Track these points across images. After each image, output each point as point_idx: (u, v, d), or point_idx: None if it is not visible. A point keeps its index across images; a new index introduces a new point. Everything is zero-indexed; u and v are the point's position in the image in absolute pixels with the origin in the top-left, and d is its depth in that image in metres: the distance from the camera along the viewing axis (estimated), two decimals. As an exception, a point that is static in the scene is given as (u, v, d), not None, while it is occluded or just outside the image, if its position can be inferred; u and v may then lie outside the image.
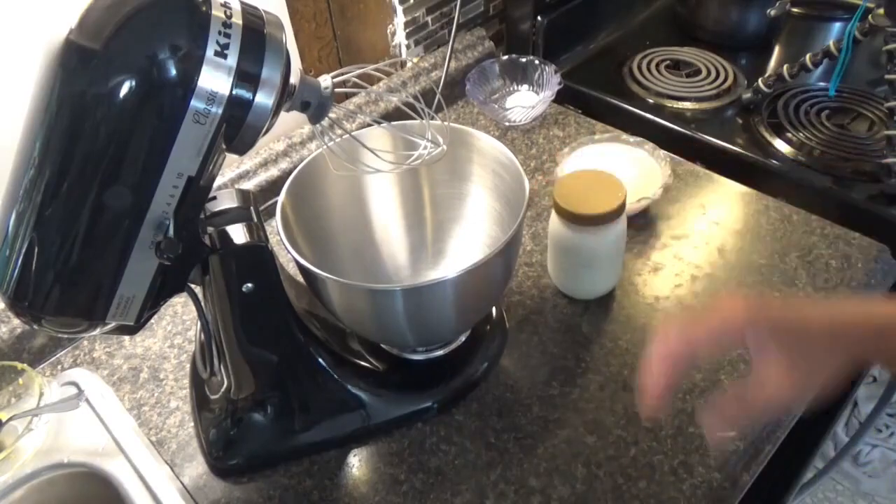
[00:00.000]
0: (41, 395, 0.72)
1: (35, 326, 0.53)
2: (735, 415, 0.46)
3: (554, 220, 0.77)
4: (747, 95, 1.11)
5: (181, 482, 0.70)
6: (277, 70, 0.48)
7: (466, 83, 1.09)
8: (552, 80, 1.08)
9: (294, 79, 0.52)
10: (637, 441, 0.69)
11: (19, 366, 0.75)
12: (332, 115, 0.56)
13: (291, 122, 1.00)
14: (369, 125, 0.72)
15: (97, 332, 0.56)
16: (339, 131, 0.63)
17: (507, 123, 1.09)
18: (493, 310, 0.80)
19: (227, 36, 0.45)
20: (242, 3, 0.47)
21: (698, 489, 0.65)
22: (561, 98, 1.10)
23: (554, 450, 0.69)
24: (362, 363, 0.74)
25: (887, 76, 0.94)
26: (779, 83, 1.09)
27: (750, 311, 0.45)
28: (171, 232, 0.50)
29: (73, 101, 0.45)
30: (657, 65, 1.21)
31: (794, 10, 1.31)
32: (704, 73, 1.18)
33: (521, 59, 1.13)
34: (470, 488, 0.67)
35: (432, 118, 0.62)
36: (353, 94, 1.05)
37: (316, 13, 0.99)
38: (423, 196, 0.80)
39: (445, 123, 0.64)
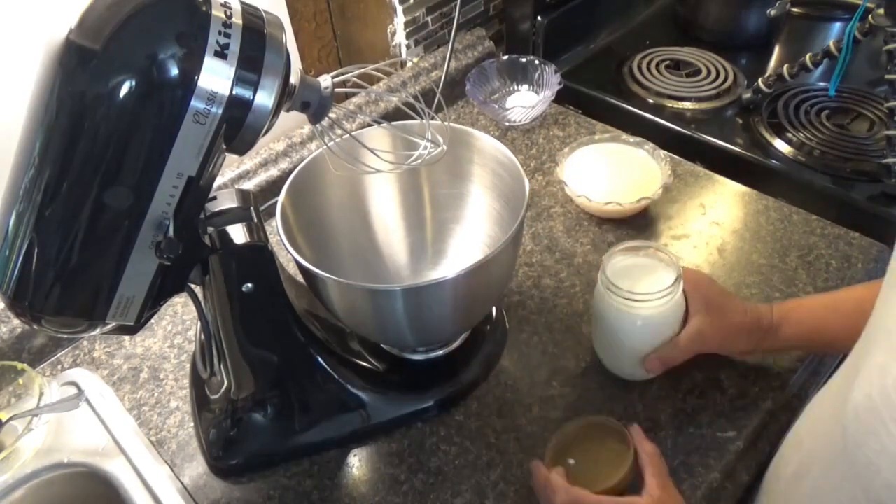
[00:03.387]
0: (41, 395, 0.72)
1: (35, 326, 0.53)
2: (668, 356, 0.67)
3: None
4: (747, 95, 1.11)
5: (181, 482, 0.70)
6: (277, 70, 0.48)
7: (466, 83, 1.09)
8: (552, 80, 1.08)
9: (294, 79, 0.52)
10: (637, 441, 0.69)
11: (19, 366, 0.75)
12: (332, 115, 0.56)
13: (291, 122, 1.00)
14: (369, 125, 0.72)
15: (97, 332, 0.56)
16: (339, 131, 0.63)
17: (507, 123, 1.09)
18: (493, 310, 0.80)
19: (228, 36, 0.45)
20: (242, 3, 0.47)
21: (698, 489, 0.65)
22: (561, 98, 1.10)
23: (554, 450, 0.69)
24: (362, 363, 0.74)
25: (887, 76, 0.94)
26: (779, 83, 1.09)
27: (699, 284, 0.67)
28: (171, 232, 0.50)
29: (73, 101, 0.45)
30: (657, 65, 1.21)
31: (794, 10, 1.31)
32: (704, 73, 1.18)
33: (521, 59, 1.13)
34: (470, 488, 0.67)
35: (432, 118, 0.62)
36: (353, 94, 1.05)
37: (316, 13, 0.99)
38: (423, 196, 0.80)
39: (445, 123, 0.64)
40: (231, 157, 0.82)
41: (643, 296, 0.64)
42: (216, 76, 0.45)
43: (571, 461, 0.63)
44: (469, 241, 0.80)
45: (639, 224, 0.92)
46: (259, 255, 0.60)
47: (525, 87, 1.14)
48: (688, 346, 0.66)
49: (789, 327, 0.66)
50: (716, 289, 0.67)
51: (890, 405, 0.36)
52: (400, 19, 1.07)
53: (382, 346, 0.76)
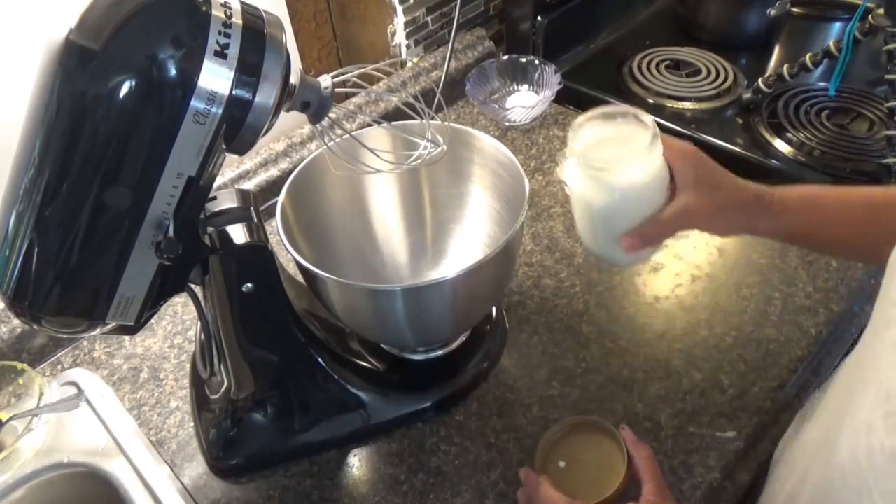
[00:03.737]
0: (41, 395, 0.72)
1: (35, 326, 0.53)
2: (648, 232, 0.58)
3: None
4: (747, 95, 1.11)
5: (181, 482, 0.70)
6: (277, 70, 0.48)
7: (466, 83, 1.09)
8: (552, 80, 1.08)
9: (294, 79, 0.52)
10: (637, 441, 0.69)
11: (19, 366, 0.75)
12: (332, 115, 0.56)
13: (291, 122, 1.00)
14: (369, 125, 0.72)
15: (97, 332, 0.56)
16: (339, 131, 0.63)
17: (507, 123, 1.09)
18: (493, 310, 0.80)
19: (227, 36, 0.45)
20: (242, 3, 0.47)
21: (698, 489, 0.65)
22: (561, 98, 1.10)
23: (554, 450, 0.69)
24: (362, 363, 0.74)
25: (887, 76, 0.94)
26: (779, 83, 1.09)
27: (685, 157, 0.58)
28: (171, 232, 0.50)
29: (73, 101, 0.45)
30: (657, 65, 1.21)
31: (794, 10, 1.31)
32: (704, 73, 1.18)
33: (521, 59, 1.13)
34: (470, 488, 0.67)
35: (432, 118, 0.62)
36: (353, 94, 1.05)
37: (316, 13, 0.99)
38: (423, 196, 0.80)
39: (445, 123, 0.64)
40: (231, 157, 0.82)
41: (618, 161, 0.56)
42: (216, 76, 0.45)
43: (562, 464, 0.63)
44: (469, 241, 0.80)
45: (639, 224, 0.92)
46: (259, 255, 0.60)
47: (525, 87, 1.14)
48: (670, 221, 0.58)
49: (790, 215, 0.58)
50: (706, 162, 0.59)
51: (875, 470, 0.35)
52: (400, 19, 1.07)
53: (382, 346, 0.76)
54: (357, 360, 0.74)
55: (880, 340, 0.39)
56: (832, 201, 0.59)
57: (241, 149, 0.51)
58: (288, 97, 0.52)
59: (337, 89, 0.55)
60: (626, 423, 0.69)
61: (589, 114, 0.59)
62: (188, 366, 0.80)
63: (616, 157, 0.56)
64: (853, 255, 0.47)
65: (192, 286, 0.60)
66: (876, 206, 0.50)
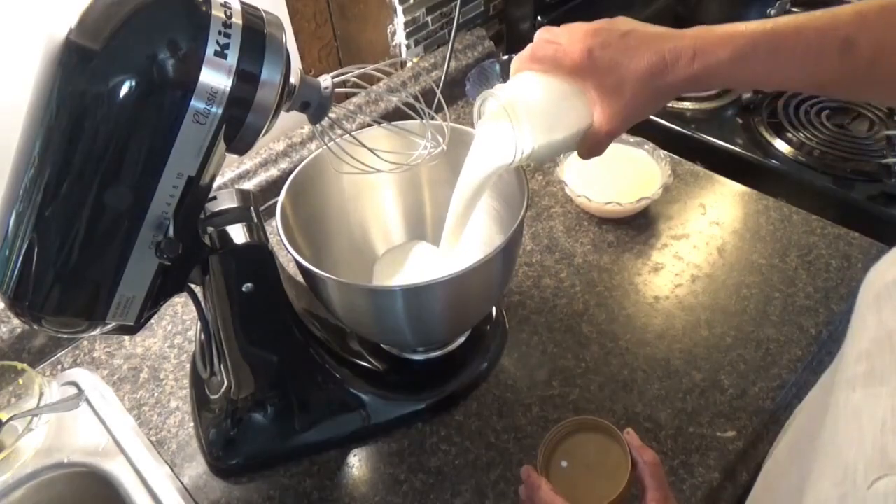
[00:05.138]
0: (41, 395, 0.72)
1: (35, 326, 0.53)
2: (591, 151, 0.59)
3: None
4: (747, 95, 1.11)
5: (181, 482, 0.70)
6: (277, 70, 0.48)
7: (466, 83, 1.09)
8: (552, 80, 1.08)
9: (294, 79, 0.52)
10: (637, 441, 0.69)
11: (19, 366, 0.75)
12: (332, 115, 0.56)
13: (291, 122, 1.00)
14: (369, 125, 0.72)
15: (97, 332, 0.56)
16: (339, 131, 0.63)
17: (507, 123, 1.09)
18: (493, 310, 0.80)
19: (227, 36, 0.45)
20: (242, 3, 0.47)
21: (698, 489, 0.65)
22: (561, 98, 1.10)
23: (554, 450, 0.69)
24: (362, 363, 0.74)
25: (887, 76, 0.93)
26: (779, 83, 1.09)
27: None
28: (171, 232, 0.50)
29: (73, 101, 0.45)
30: (657, 65, 1.21)
31: (794, 10, 1.31)
32: (704, 73, 1.18)
33: (521, 59, 1.13)
34: (470, 488, 0.67)
35: (432, 118, 0.62)
36: (353, 94, 1.05)
37: (316, 13, 0.99)
38: (423, 196, 0.80)
39: (445, 123, 0.64)
40: (231, 157, 0.82)
41: (511, 143, 0.56)
42: (216, 76, 0.45)
43: (564, 463, 0.63)
44: (469, 241, 0.80)
45: (639, 224, 0.92)
46: (259, 255, 0.60)
47: (525, 87, 1.14)
48: (594, 144, 0.58)
49: (717, 80, 0.55)
50: (600, 65, 0.57)
51: None
52: (400, 19, 1.07)
53: (382, 346, 0.76)
54: (357, 360, 0.74)
55: (842, 407, 0.35)
56: (763, 55, 0.55)
57: (241, 149, 0.51)
58: (288, 97, 0.52)
59: (337, 89, 0.55)
60: (626, 423, 0.69)
61: (475, 117, 0.60)
62: (188, 366, 0.80)
63: (506, 148, 0.58)
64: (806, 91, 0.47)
65: (192, 286, 0.60)
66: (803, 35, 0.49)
